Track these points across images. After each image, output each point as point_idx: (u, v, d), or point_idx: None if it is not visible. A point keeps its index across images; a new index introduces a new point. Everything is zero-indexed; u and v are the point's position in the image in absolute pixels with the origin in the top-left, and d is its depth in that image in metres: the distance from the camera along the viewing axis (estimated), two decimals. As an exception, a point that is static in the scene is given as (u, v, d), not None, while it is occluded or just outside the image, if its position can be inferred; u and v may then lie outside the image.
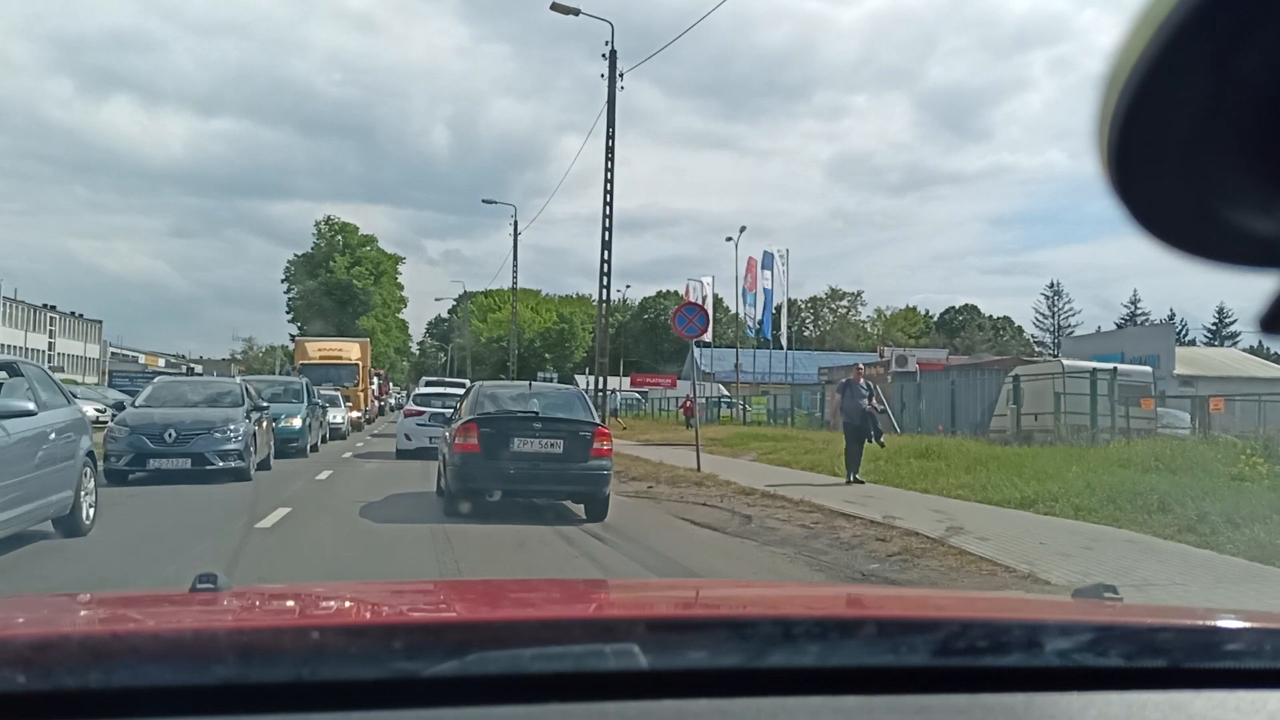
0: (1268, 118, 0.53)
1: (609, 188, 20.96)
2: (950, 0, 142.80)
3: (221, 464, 13.76)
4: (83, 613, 1.65)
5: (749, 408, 40.70)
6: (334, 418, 28.90)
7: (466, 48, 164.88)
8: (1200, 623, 1.37)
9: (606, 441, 10.99)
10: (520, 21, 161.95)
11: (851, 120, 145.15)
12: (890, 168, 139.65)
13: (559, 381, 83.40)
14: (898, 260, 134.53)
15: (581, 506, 11.16)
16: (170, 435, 13.64)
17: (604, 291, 20.92)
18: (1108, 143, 0.56)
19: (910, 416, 28.17)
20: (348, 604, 1.80)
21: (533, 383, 14.44)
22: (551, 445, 10.63)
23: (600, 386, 20.77)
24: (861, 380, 15.37)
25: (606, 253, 21.02)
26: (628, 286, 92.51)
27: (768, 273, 50.32)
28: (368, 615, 1.59)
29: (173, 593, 1.83)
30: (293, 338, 53.52)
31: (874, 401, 15.04)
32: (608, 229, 20.96)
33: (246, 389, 15.84)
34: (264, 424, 16.29)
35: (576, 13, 21.53)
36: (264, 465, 16.24)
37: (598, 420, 11.80)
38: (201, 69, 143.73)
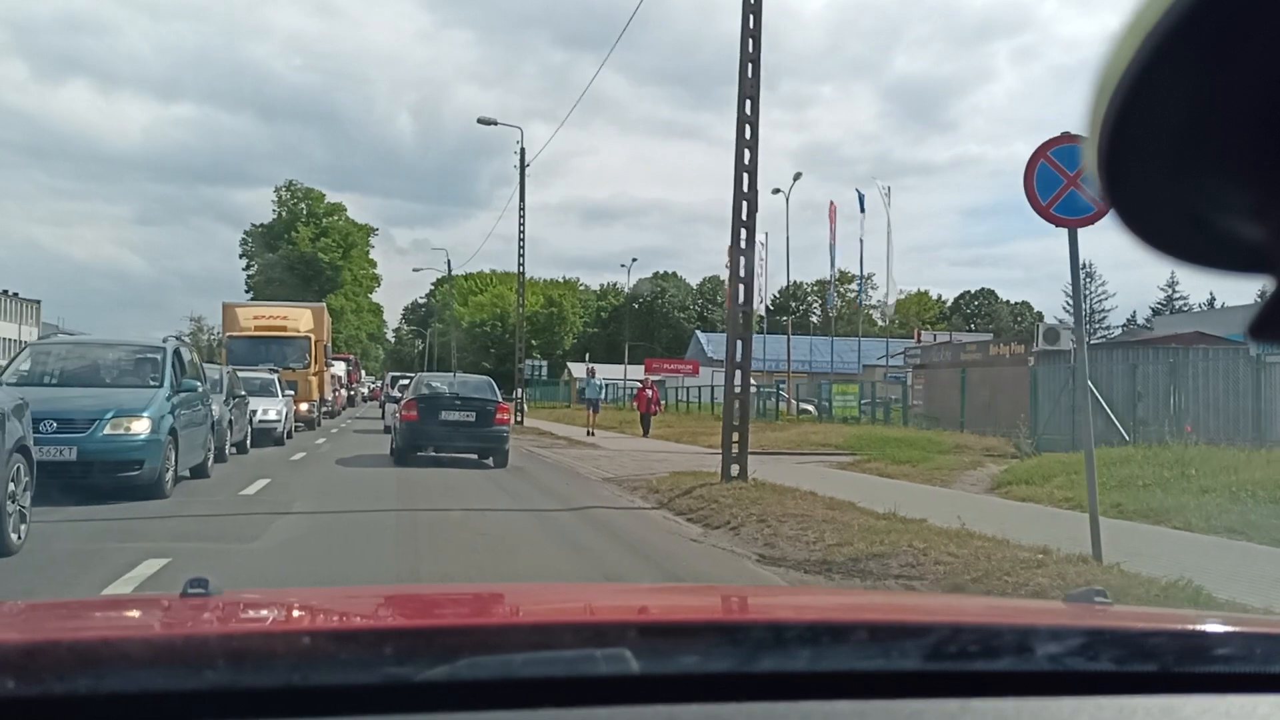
0: (1261, 122, 0.51)
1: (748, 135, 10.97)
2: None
3: None
4: (73, 618, 1.59)
5: (831, 401, 30.39)
6: (265, 414, 18.62)
7: (428, 33, 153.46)
8: (1191, 627, 1.29)
9: (505, 413, 15.58)
10: (482, 7, 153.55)
11: (818, 110, 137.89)
12: (859, 159, 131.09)
13: (548, 370, 73.27)
14: (870, 251, 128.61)
15: (489, 459, 15.21)
16: None
17: (740, 275, 11.00)
18: (1099, 144, 0.54)
19: (1128, 411, 18.18)
20: (339, 609, 1.67)
21: (456, 374, 22.01)
22: (467, 416, 14.95)
23: (741, 376, 10.60)
24: None
25: (746, 234, 11.20)
26: (634, 260, 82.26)
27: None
28: (359, 620, 1.52)
29: (164, 597, 1.78)
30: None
31: None
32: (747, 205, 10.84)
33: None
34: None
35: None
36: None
37: (500, 399, 15.92)
38: (158, 53, 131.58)
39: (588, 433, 24.45)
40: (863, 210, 40.83)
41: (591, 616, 1.45)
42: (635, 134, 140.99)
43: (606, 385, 63.54)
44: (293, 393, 21.15)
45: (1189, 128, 0.53)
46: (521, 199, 28.73)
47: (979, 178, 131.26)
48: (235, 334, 25.07)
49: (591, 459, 17.23)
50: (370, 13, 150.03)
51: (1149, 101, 0.51)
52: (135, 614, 1.65)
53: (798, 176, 40.13)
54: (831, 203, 40.85)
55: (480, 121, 27.99)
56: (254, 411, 18.14)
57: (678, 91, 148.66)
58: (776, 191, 40.69)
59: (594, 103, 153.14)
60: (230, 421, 14.82)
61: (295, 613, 1.62)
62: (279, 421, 18.92)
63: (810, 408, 40.99)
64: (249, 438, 16.77)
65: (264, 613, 1.63)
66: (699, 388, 46.50)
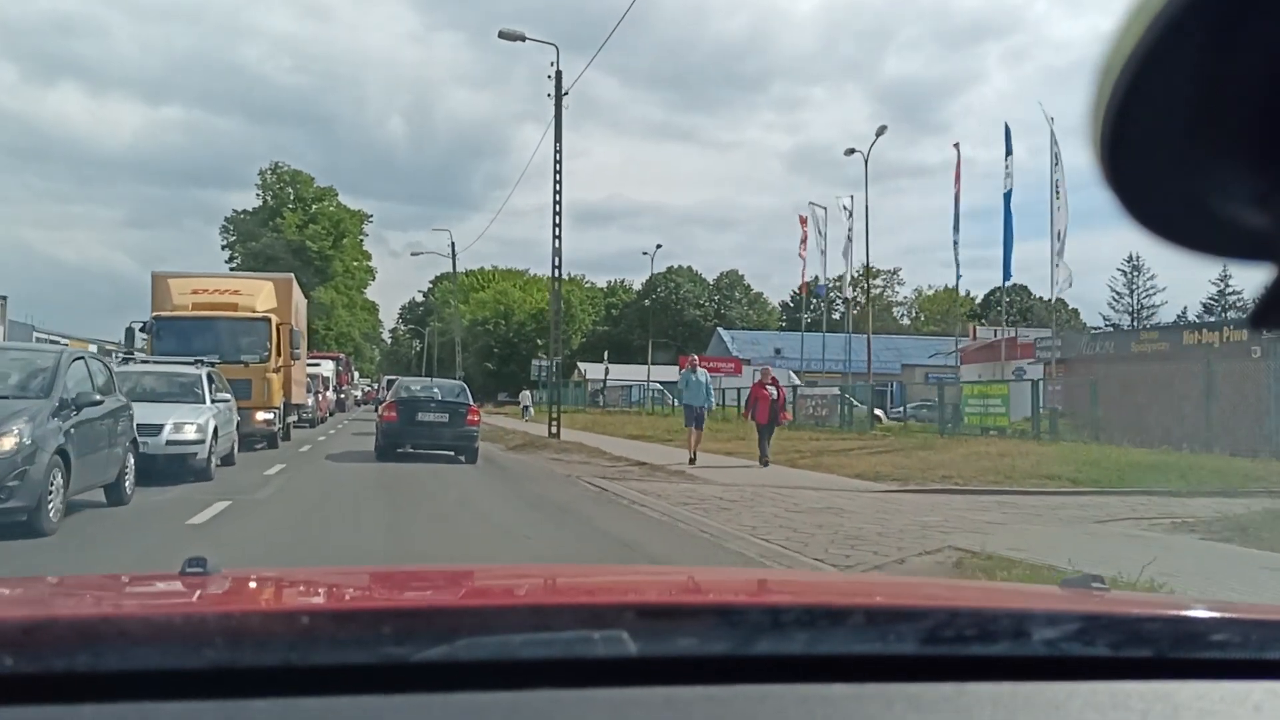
0: (1264, 109, 0.51)
1: None
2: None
3: None
4: (72, 595, 1.53)
5: (963, 407, 22.98)
6: (177, 432, 11.32)
7: (419, 35, 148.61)
8: (1186, 613, 1.27)
9: (475, 415, 16.73)
10: (472, 8, 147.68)
11: (810, 112, 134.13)
12: (851, 160, 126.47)
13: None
14: (882, 247, 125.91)
15: (461, 456, 16.25)
16: None
17: None
18: (1101, 132, 0.54)
19: None
20: (337, 589, 1.61)
21: (433, 378, 24.72)
22: (441, 416, 16.29)
23: None
24: None
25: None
26: (659, 246, 74.73)
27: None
28: (357, 600, 1.47)
29: (162, 575, 1.74)
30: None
31: None
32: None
33: None
34: None
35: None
36: None
37: (471, 403, 17.07)
38: (148, 55, 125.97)
39: (693, 461, 15.83)
40: (1009, 152, 27.99)
41: (590, 598, 1.39)
42: (628, 136, 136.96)
43: (628, 388, 55.74)
44: (229, 397, 13.62)
45: (1194, 115, 0.51)
46: (558, 136, 21.40)
47: (971, 179, 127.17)
48: (165, 314, 17.64)
49: (730, 514, 9.87)
50: (361, 15, 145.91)
51: (1154, 88, 0.50)
52: (135, 592, 1.60)
53: (882, 130, 32.65)
54: (955, 145, 32.55)
55: (503, 35, 20.69)
56: (159, 428, 10.87)
57: (670, 94, 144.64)
58: (851, 152, 33.47)
59: (587, 106, 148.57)
60: (65, 453, 7.47)
61: (294, 592, 1.58)
62: (200, 443, 11.48)
63: (880, 413, 33.87)
64: (129, 477, 9.38)
65: (263, 592, 1.59)
66: (739, 389, 39.37)
